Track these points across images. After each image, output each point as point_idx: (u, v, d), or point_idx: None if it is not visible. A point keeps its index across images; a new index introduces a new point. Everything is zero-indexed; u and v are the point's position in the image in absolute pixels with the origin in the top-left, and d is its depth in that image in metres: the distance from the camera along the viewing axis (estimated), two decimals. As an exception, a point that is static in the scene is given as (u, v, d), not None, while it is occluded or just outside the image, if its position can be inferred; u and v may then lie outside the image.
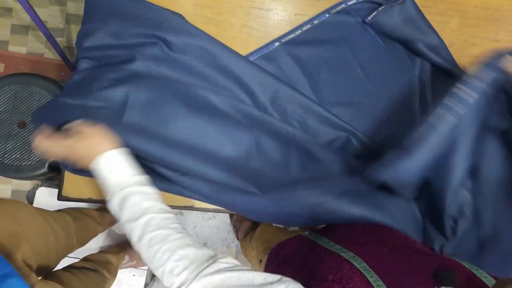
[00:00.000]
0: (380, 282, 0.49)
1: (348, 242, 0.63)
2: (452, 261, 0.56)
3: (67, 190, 0.76)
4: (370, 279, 0.50)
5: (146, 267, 1.16)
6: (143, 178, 0.60)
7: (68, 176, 0.76)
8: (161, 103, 0.73)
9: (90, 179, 0.76)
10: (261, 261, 0.98)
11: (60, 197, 0.76)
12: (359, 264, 0.54)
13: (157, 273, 0.52)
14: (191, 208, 0.79)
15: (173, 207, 0.79)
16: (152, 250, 0.52)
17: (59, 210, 0.96)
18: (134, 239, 0.55)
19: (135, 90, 0.72)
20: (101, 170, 0.59)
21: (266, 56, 0.84)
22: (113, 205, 0.58)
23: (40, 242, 0.73)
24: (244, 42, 0.85)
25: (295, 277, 0.49)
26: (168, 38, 0.76)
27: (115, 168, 0.59)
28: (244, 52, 0.84)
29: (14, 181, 1.51)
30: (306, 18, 0.87)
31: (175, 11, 0.83)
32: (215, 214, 1.55)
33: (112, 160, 0.59)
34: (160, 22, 0.77)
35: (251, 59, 0.83)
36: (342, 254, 0.58)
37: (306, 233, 0.81)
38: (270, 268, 0.83)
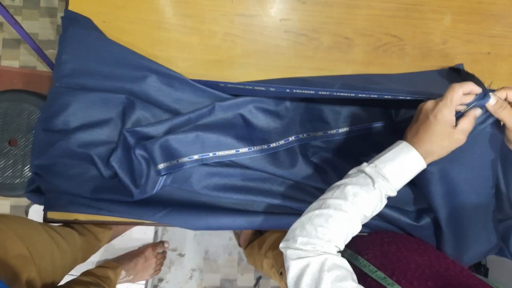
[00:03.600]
0: None
1: (386, 268, 0.59)
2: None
3: (52, 213, 0.74)
4: None
5: (143, 282, 1.15)
6: None
7: (53, 197, 0.75)
8: None
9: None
10: (281, 273, 0.95)
11: (46, 219, 0.74)
12: None
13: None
14: (180, 224, 0.78)
15: (162, 224, 0.77)
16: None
17: (66, 226, 0.94)
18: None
19: None
20: None
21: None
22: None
23: (46, 262, 0.72)
24: (228, 51, 0.83)
25: None
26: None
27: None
28: (228, 61, 0.82)
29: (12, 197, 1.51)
30: (291, 23, 0.84)
31: (156, 22, 0.81)
32: (215, 221, 1.53)
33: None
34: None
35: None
36: (388, 287, 0.54)
37: None
38: None
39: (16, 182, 1.08)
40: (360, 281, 0.57)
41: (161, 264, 1.21)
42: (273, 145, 0.77)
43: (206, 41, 0.82)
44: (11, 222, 0.69)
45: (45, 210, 0.73)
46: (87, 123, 0.74)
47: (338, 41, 0.85)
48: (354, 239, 0.73)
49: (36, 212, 1.19)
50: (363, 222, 0.56)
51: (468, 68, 0.87)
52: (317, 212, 0.54)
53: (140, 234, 1.18)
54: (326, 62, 0.85)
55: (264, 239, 1.21)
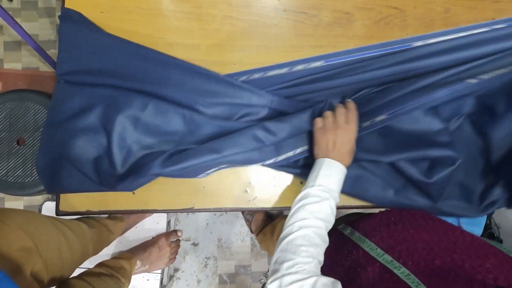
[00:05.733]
0: None
1: (393, 251, 0.60)
2: (510, 267, 0.51)
3: (64, 205, 0.75)
4: None
5: (159, 271, 1.16)
6: None
7: (64, 190, 0.75)
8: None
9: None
10: None
11: (58, 212, 0.75)
12: (417, 287, 0.50)
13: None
14: (191, 210, 0.78)
15: (173, 210, 0.78)
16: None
17: (74, 219, 0.95)
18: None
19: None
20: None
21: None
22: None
23: (53, 254, 0.72)
24: (229, 34, 0.82)
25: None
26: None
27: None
28: (228, 44, 0.82)
29: (25, 197, 1.53)
30: (290, 2, 0.83)
31: (154, 9, 0.81)
32: (226, 209, 1.54)
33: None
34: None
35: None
36: (395, 270, 0.55)
37: (341, 226, 0.79)
38: None
39: (26, 181, 1.09)
40: (368, 265, 0.59)
41: (176, 252, 1.22)
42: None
43: (206, 25, 0.82)
44: (15, 215, 0.69)
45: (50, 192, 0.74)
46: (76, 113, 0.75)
47: (338, 16, 0.84)
48: (361, 222, 0.74)
49: (48, 210, 1.21)
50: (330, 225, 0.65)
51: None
52: (291, 237, 0.60)
53: (152, 224, 1.18)
54: (327, 39, 0.84)
55: (275, 225, 1.21)
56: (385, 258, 0.58)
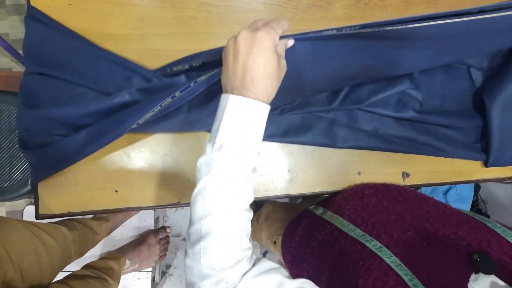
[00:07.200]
0: (416, 281, 0.44)
1: (366, 223, 0.59)
2: (483, 233, 0.49)
3: (43, 208, 0.72)
4: (405, 278, 0.45)
5: (150, 269, 1.14)
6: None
7: (43, 193, 0.72)
8: None
9: (65, 192, 0.72)
10: (275, 242, 0.96)
11: (38, 216, 0.72)
12: (389, 259, 0.49)
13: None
14: (177, 204, 0.76)
15: (159, 206, 0.76)
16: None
17: (53, 222, 0.92)
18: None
19: None
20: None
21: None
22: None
23: (29, 260, 0.69)
24: (205, 21, 0.79)
25: (319, 266, 0.45)
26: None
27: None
28: (205, 32, 0.79)
29: (7, 202, 1.48)
30: (266, -16, 0.81)
31: (125, 1, 0.77)
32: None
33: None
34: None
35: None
36: (366, 244, 0.54)
37: (312, 206, 0.80)
38: (287, 251, 0.81)
39: (6, 185, 1.05)
40: (341, 238, 0.60)
41: (165, 249, 1.20)
42: None
43: (180, 13, 0.79)
44: None
45: (33, 183, 0.71)
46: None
47: (317, -2, 0.82)
48: (336, 197, 0.74)
49: (30, 214, 1.17)
50: (249, 204, 0.47)
51: (452, 12, 0.85)
52: (202, 244, 0.43)
53: (140, 222, 1.16)
54: (307, 23, 0.82)
55: (260, 213, 1.21)
56: (356, 233, 0.59)
